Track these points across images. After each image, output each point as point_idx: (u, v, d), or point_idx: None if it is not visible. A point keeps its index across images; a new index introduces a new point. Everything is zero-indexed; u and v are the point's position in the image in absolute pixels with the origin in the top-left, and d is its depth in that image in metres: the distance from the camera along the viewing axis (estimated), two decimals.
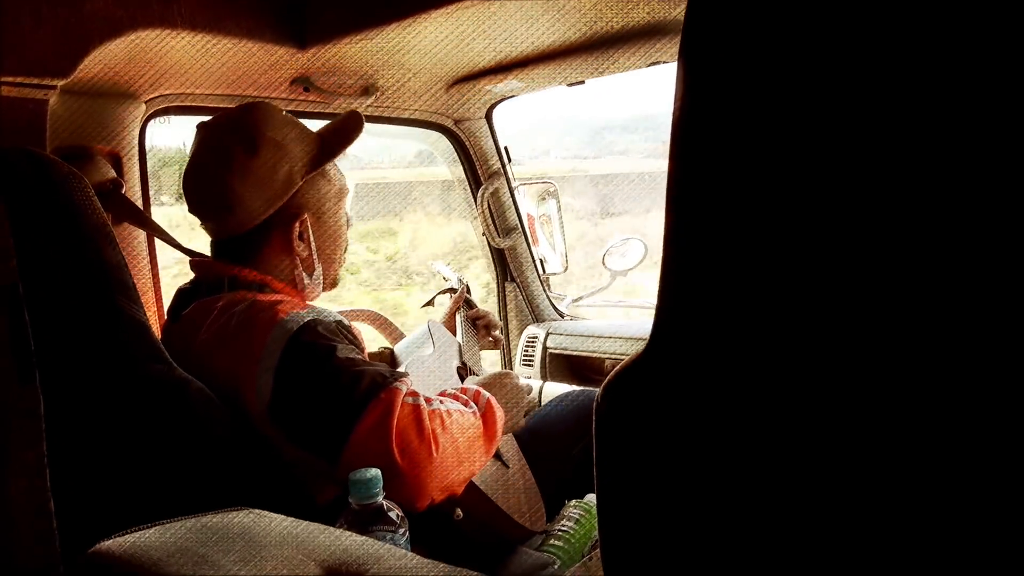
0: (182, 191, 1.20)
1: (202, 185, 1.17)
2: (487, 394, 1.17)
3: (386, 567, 0.48)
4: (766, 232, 0.36)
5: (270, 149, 1.14)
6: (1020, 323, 0.30)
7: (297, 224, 1.18)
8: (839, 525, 0.35)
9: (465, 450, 1.05)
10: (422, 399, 1.02)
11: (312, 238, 1.20)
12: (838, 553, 0.35)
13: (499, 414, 1.16)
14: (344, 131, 1.25)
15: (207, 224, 1.21)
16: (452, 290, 1.66)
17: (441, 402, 1.07)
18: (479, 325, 1.59)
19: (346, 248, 1.30)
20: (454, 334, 1.53)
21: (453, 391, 1.17)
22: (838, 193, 0.33)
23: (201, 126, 1.19)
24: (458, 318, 1.58)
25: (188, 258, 1.25)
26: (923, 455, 0.33)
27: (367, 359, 1.07)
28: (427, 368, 1.35)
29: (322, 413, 0.98)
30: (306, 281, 1.21)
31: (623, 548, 0.45)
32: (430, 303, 1.71)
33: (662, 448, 0.41)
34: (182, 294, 1.20)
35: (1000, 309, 0.30)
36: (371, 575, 0.48)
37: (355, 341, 1.11)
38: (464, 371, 1.45)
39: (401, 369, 1.31)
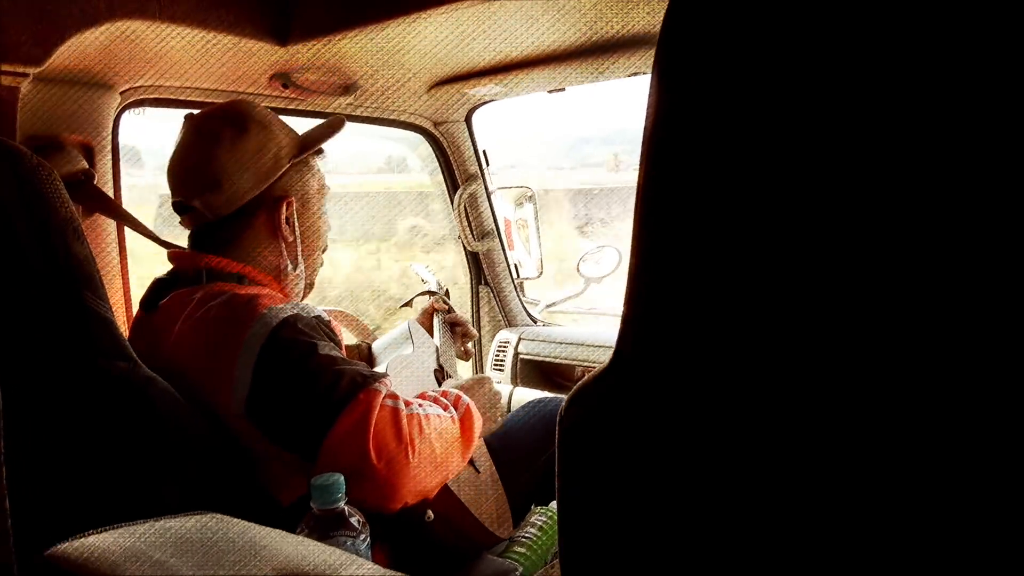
0: (168, 177, 1.19)
1: (190, 163, 1.17)
2: (467, 399, 1.17)
3: None
4: (735, 243, 0.36)
5: (258, 130, 1.16)
6: (996, 318, 0.31)
7: (284, 206, 1.19)
8: (803, 544, 0.35)
9: (442, 455, 1.04)
10: (401, 402, 1.01)
11: (297, 224, 1.21)
12: (801, 571, 0.36)
13: (477, 420, 1.16)
14: (325, 127, 1.28)
15: (189, 213, 1.19)
16: (431, 292, 1.66)
17: (420, 405, 1.06)
18: (457, 331, 1.59)
19: (324, 249, 1.30)
20: (431, 335, 1.53)
21: (433, 394, 1.17)
22: (809, 204, 0.34)
23: (189, 115, 1.20)
24: (436, 320, 1.58)
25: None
26: (895, 484, 0.33)
27: (346, 357, 1.06)
28: (407, 368, 1.35)
29: (300, 411, 0.98)
30: (289, 271, 1.21)
31: (582, 558, 0.45)
32: (408, 304, 1.71)
33: (624, 460, 0.42)
34: (159, 284, 1.18)
35: (978, 311, 0.31)
36: None
37: (335, 338, 1.10)
38: (441, 374, 1.45)
39: (380, 368, 1.31)
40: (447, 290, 1.68)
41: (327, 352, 1.02)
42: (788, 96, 0.34)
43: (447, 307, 1.63)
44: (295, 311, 1.05)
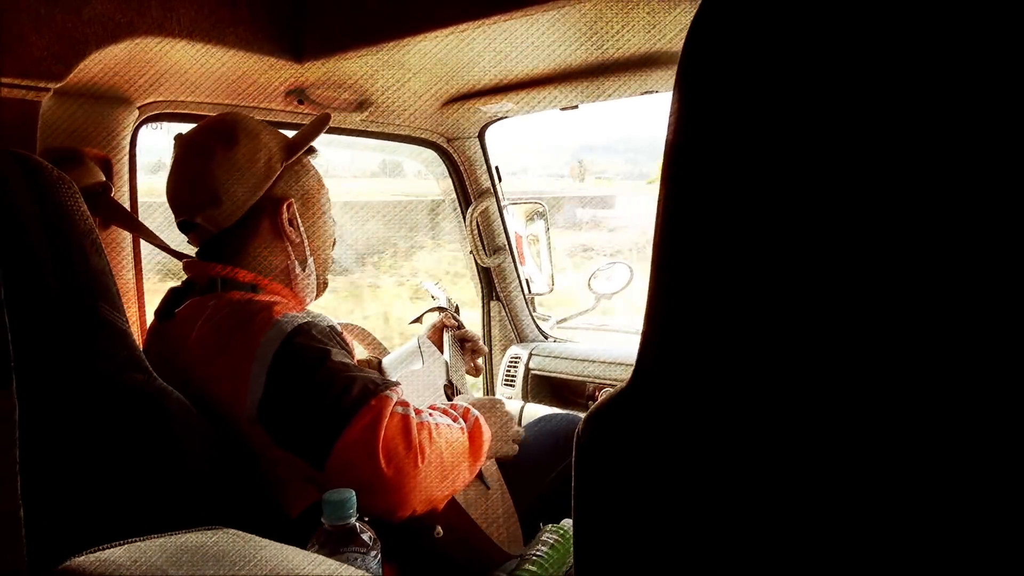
0: (168, 199, 1.21)
1: (187, 181, 1.19)
2: (476, 412, 1.18)
3: None
4: (757, 261, 0.36)
5: (247, 140, 1.18)
6: (1005, 323, 0.30)
7: (284, 208, 1.20)
8: (826, 564, 0.35)
9: (450, 465, 1.05)
10: (412, 409, 1.02)
11: (301, 224, 1.22)
12: None
13: (486, 434, 1.16)
14: (311, 127, 1.29)
15: (193, 231, 1.21)
16: (441, 308, 1.67)
17: (430, 415, 1.07)
18: (467, 347, 1.60)
19: (333, 245, 1.32)
20: (441, 351, 1.53)
21: (443, 406, 1.17)
22: (832, 223, 0.34)
23: (179, 136, 1.22)
24: (446, 336, 1.59)
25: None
26: (907, 494, 0.33)
27: (359, 365, 1.07)
28: (416, 383, 1.35)
29: (311, 416, 0.98)
30: (298, 271, 1.22)
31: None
32: (418, 320, 1.72)
33: (642, 479, 0.41)
34: (174, 293, 1.20)
35: (983, 316, 0.31)
36: None
37: (347, 347, 1.11)
38: (450, 389, 1.45)
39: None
40: (457, 306, 1.69)
41: (339, 359, 1.02)
42: (810, 115, 0.34)
43: (457, 323, 1.63)
44: (309, 319, 1.06)
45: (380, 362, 1.52)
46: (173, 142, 1.22)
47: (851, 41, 0.33)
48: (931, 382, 0.32)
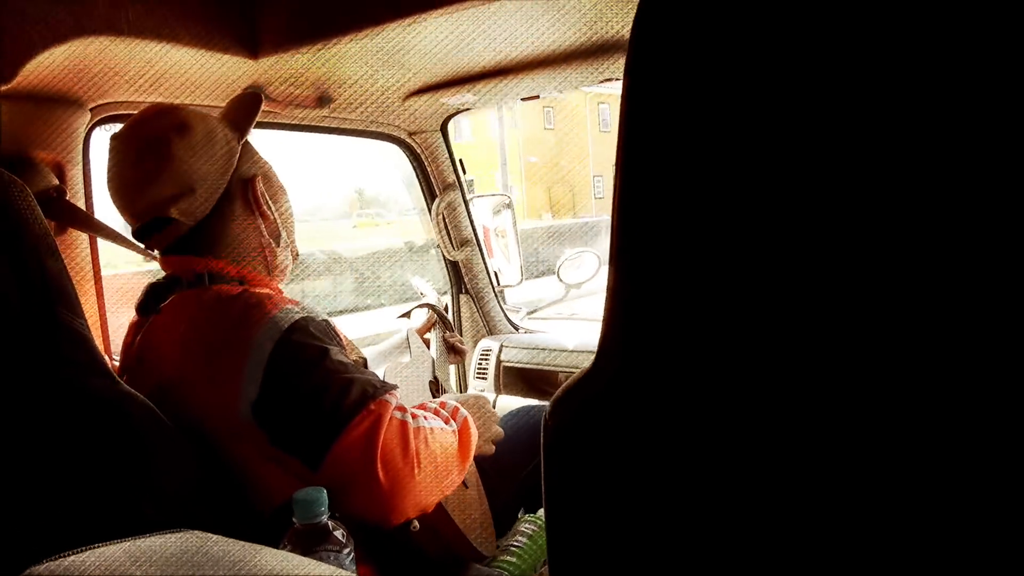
0: (122, 202, 1.13)
1: (152, 177, 1.09)
2: (465, 412, 1.17)
3: None
4: (713, 242, 0.36)
5: (199, 122, 1.12)
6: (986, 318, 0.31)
7: (255, 184, 1.16)
8: (792, 544, 0.35)
9: (444, 470, 1.04)
10: (409, 415, 1.01)
11: (270, 199, 1.19)
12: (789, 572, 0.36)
13: (474, 435, 1.16)
14: (246, 107, 1.24)
15: (160, 231, 1.13)
16: (430, 305, 1.67)
17: (425, 418, 1.06)
18: (451, 355, 1.61)
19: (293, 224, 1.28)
20: (427, 347, 1.54)
21: (434, 405, 1.16)
22: (784, 202, 0.34)
23: (116, 136, 1.13)
24: (432, 335, 1.59)
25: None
26: (880, 486, 0.33)
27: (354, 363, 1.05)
28: (404, 376, 1.34)
29: (309, 418, 0.96)
30: (275, 247, 1.19)
31: (571, 563, 0.45)
32: (407, 315, 1.71)
33: (609, 465, 0.41)
34: (155, 288, 1.15)
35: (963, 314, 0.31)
36: None
37: (342, 343, 1.09)
38: (435, 386, 1.45)
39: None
40: (447, 305, 1.70)
41: (338, 358, 1.01)
42: (757, 98, 0.34)
43: (446, 324, 1.64)
44: (305, 314, 1.03)
45: (364, 359, 1.51)
46: (111, 142, 1.13)
47: (800, 28, 0.33)
48: (902, 362, 0.33)
